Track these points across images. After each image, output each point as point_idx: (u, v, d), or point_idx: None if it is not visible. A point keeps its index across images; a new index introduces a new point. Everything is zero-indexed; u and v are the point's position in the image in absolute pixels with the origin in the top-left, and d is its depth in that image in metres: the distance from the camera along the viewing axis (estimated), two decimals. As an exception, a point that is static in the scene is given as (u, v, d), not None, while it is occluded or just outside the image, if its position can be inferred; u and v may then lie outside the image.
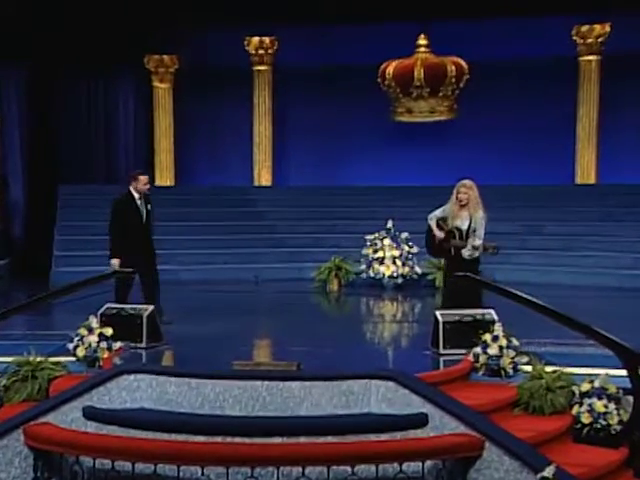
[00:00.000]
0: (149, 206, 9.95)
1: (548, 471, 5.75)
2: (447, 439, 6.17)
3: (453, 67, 16.61)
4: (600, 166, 17.15)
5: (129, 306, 8.40)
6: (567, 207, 16.11)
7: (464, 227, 9.06)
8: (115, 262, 9.70)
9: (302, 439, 6.13)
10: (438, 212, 9.35)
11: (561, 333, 8.05)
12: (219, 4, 16.31)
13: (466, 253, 9.05)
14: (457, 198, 9.08)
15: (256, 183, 18.33)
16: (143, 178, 9.91)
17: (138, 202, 9.84)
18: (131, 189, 9.87)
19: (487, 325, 7.55)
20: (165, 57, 18.03)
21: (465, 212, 9.06)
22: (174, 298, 12.75)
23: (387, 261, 14.00)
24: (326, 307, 13.46)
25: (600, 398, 6.63)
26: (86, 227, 16.05)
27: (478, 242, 9.01)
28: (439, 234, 9.23)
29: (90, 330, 7.60)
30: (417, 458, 6.00)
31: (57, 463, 6.33)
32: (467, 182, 9.14)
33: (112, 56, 17.02)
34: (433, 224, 9.32)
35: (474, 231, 9.02)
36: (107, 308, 8.27)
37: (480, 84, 16.64)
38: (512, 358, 7.22)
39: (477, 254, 9.10)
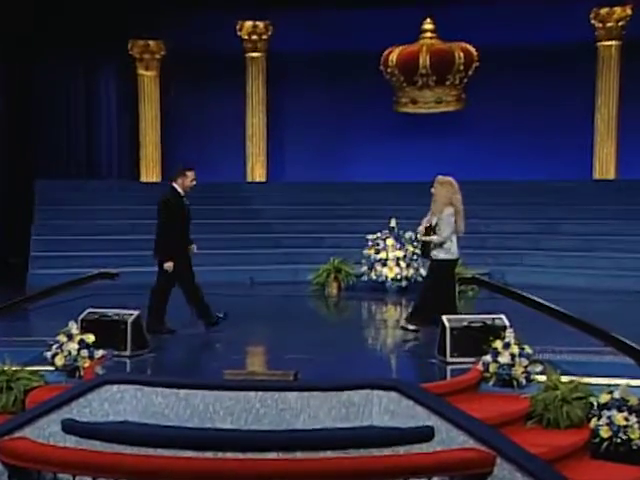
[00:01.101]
0: (188, 203, 9.96)
1: (564, 489, 5.75)
2: (455, 454, 6.16)
3: (461, 54, 16.62)
4: (620, 160, 17.15)
5: (112, 311, 8.39)
6: (584, 204, 16.12)
7: (434, 223, 9.51)
8: (170, 266, 9.64)
9: (299, 454, 6.12)
10: None
11: (578, 340, 8.05)
12: (209, -15, 16.36)
13: (432, 252, 9.47)
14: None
15: (249, 179, 18.33)
16: (190, 174, 9.86)
17: (184, 199, 9.85)
18: (176, 186, 9.82)
19: (498, 331, 7.57)
20: (151, 43, 18.02)
21: (434, 209, 9.54)
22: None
23: (390, 262, 14.00)
24: (325, 312, 13.45)
25: (620, 410, 6.63)
26: (66, 226, 16.07)
27: (436, 239, 9.43)
28: (421, 228, 9.70)
29: (70, 337, 7.59)
30: (422, 474, 5.99)
31: (34, 480, 6.32)
32: (439, 177, 9.58)
33: (93, 42, 17.00)
34: (424, 220, 9.79)
35: (438, 228, 9.45)
36: (88, 313, 8.26)
37: (490, 72, 16.64)
38: (525, 367, 7.23)
39: (443, 255, 9.44)
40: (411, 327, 9.71)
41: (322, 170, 18.17)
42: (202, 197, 16.98)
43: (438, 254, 9.46)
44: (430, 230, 9.46)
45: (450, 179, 9.53)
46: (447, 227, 9.37)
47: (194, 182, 9.88)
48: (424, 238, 9.51)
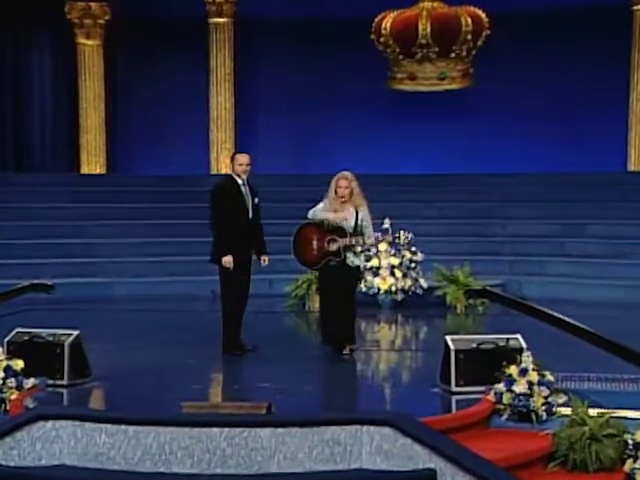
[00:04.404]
0: (257, 200, 10.06)
1: None
2: (461, 503, 6.18)
3: (469, 20, 16.67)
4: (659, 148, 17.28)
5: (46, 331, 8.35)
6: (617, 201, 16.19)
7: (351, 224, 9.69)
8: (228, 260, 9.85)
9: (273, 504, 6.14)
10: (320, 207, 9.92)
11: (609, 365, 8.08)
12: None
13: (350, 259, 9.64)
14: (336, 193, 9.77)
15: (213, 170, 18.30)
16: (239, 157, 10.14)
17: (242, 189, 9.98)
18: (232, 173, 10.10)
19: (512, 355, 7.58)
20: (93, 5, 18.00)
21: (350, 207, 9.73)
22: (105, 319, 12.74)
23: (383, 272, 14.01)
24: (304, 331, 13.45)
25: (660, 450, 6.65)
26: (-11, 228, 16.01)
27: (369, 242, 9.89)
28: (339, 216, 9.77)
29: (-6, 363, 7.56)
30: (423, 528, 6.01)
31: (-50, 538, 6.29)
32: (347, 173, 9.86)
33: (21, 5, 16.93)
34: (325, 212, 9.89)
35: (365, 228, 9.71)
36: (17, 333, 8.22)
37: (504, 42, 16.70)
38: (545, 398, 7.24)
39: (358, 262, 9.81)
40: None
41: (300, 160, 18.20)
42: (157, 192, 17.05)
43: (355, 261, 9.73)
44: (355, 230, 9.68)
45: (351, 173, 9.87)
46: (372, 228, 9.83)
47: (244, 167, 10.03)
48: (351, 241, 9.63)
